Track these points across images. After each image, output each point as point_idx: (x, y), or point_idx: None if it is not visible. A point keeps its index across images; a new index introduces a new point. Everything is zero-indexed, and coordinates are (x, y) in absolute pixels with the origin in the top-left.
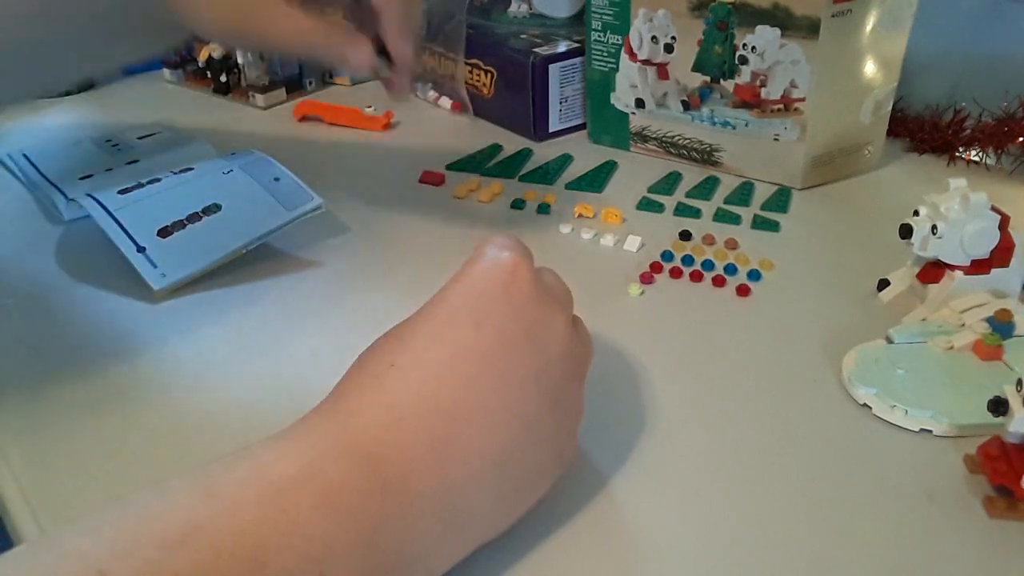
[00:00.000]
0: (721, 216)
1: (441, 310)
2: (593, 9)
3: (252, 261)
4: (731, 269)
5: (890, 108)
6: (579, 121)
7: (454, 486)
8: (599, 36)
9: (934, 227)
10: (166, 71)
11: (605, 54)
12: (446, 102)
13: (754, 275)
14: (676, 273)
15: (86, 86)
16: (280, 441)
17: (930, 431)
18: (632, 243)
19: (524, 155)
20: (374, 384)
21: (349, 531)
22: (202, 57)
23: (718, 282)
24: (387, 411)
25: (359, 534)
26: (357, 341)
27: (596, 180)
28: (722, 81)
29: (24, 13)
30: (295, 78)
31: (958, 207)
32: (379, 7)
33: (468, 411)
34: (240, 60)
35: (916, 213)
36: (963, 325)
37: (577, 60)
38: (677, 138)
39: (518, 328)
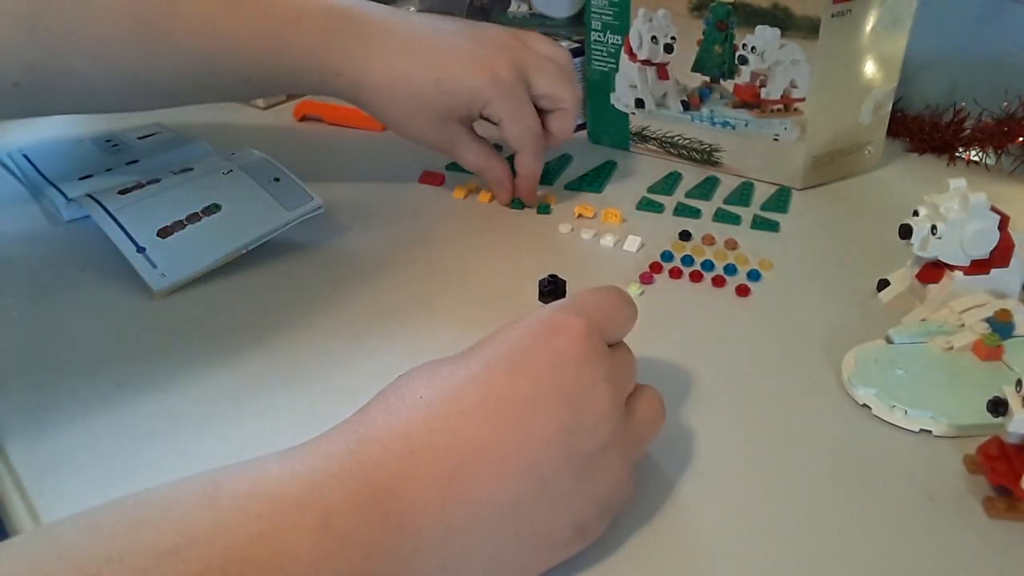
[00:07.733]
0: (721, 216)
1: (482, 354)
2: (593, 9)
3: (252, 261)
4: (731, 269)
5: (890, 108)
6: (579, 121)
7: (454, 529)
8: (599, 36)
9: (934, 227)
10: None
11: (605, 54)
12: None
13: (754, 275)
14: (676, 273)
15: None
16: (290, 457)
17: (930, 431)
18: (632, 243)
19: None
20: (397, 411)
21: (340, 558)
22: None
23: (718, 282)
24: (402, 440)
25: (349, 562)
26: (357, 341)
27: (596, 180)
28: (722, 81)
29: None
30: None
31: (958, 207)
32: (516, 147)
33: (484, 456)
34: None
35: (916, 213)
36: (963, 325)
37: (577, 60)
38: (677, 138)
39: (554, 385)
